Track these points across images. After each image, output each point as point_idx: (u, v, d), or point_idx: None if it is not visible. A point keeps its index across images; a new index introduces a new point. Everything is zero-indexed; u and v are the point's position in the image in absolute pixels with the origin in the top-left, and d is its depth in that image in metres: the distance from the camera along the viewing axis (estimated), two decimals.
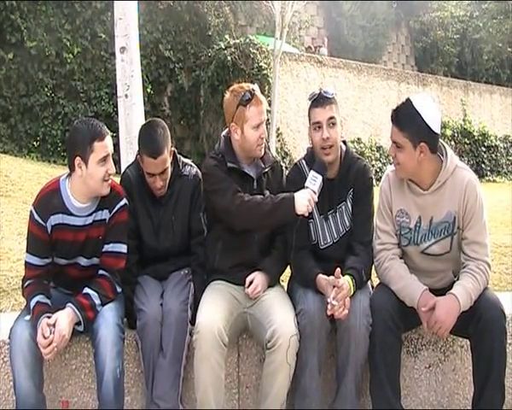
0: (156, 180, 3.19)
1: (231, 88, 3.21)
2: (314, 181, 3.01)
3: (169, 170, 3.24)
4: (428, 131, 2.87)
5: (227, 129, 3.24)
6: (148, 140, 3.17)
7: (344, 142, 3.26)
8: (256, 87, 3.16)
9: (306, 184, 3.01)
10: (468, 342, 3.04)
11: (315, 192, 3.00)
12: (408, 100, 2.93)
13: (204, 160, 3.30)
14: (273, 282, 3.22)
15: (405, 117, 2.89)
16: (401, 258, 3.10)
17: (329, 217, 3.21)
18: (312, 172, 3.03)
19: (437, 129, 2.89)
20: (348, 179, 3.20)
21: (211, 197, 3.16)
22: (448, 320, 2.84)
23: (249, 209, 3.02)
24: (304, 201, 2.96)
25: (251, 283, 3.11)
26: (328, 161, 3.12)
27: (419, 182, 3.00)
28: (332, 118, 3.10)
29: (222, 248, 3.21)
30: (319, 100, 3.11)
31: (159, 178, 3.19)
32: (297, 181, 3.16)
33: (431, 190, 2.98)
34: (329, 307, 2.84)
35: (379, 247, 3.10)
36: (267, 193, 3.18)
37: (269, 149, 3.31)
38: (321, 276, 2.99)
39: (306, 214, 3.00)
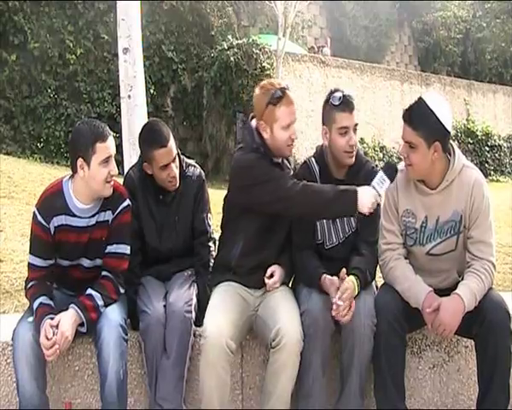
0: (171, 169, 3.19)
1: (261, 84, 3.11)
2: (382, 183, 2.88)
3: (177, 159, 3.25)
4: (442, 130, 2.86)
5: (253, 120, 3.16)
6: (153, 133, 3.19)
7: None
8: (287, 85, 3.06)
9: (373, 184, 2.88)
10: (473, 343, 3.03)
11: (380, 196, 2.90)
12: (420, 99, 2.90)
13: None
14: (287, 280, 3.21)
15: (419, 116, 2.86)
16: (406, 258, 3.09)
17: (337, 218, 3.19)
18: (382, 174, 2.90)
19: (449, 126, 2.89)
20: (357, 181, 3.16)
21: (258, 190, 2.97)
22: (453, 322, 2.82)
23: (311, 195, 2.91)
24: (369, 199, 2.85)
25: (271, 275, 3.10)
26: (350, 163, 3.14)
27: (428, 182, 2.99)
28: (357, 124, 3.10)
29: (242, 249, 3.14)
30: (347, 104, 3.06)
31: (173, 166, 3.20)
32: (307, 179, 3.11)
33: (438, 190, 2.97)
34: (334, 307, 2.82)
35: (384, 246, 3.09)
36: None
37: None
38: (326, 276, 2.98)
39: (367, 214, 2.90)
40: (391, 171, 2.93)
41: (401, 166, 3.06)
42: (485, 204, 2.96)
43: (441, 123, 2.84)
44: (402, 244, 3.08)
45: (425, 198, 3.00)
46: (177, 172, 3.23)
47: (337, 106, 3.07)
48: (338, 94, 3.08)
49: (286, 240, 3.23)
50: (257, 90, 3.09)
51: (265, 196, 2.97)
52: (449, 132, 2.89)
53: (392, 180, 2.91)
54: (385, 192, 3.05)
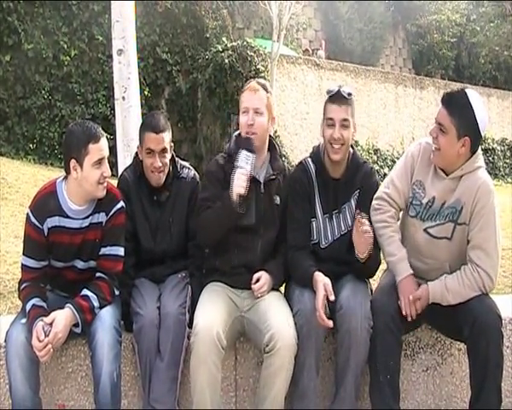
0: (155, 159, 3.18)
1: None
2: (247, 160, 2.97)
3: (168, 157, 3.24)
4: (476, 128, 2.88)
5: (238, 130, 3.23)
6: (151, 118, 3.25)
7: (351, 145, 3.23)
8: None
9: (239, 164, 2.96)
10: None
11: (249, 170, 2.96)
12: (463, 90, 2.94)
13: (200, 162, 3.30)
14: (276, 286, 3.20)
15: (458, 104, 2.89)
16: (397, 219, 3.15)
17: (333, 217, 3.19)
18: (245, 152, 2.99)
19: (483, 130, 2.91)
20: (355, 181, 3.18)
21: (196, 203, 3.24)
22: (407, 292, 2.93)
23: (200, 225, 3.10)
24: (239, 181, 2.93)
25: (257, 280, 3.09)
26: (335, 159, 3.12)
27: (447, 171, 3.01)
28: (345, 120, 3.09)
29: (224, 247, 3.16)
30: (337, 97, 3.09)
31: (158, 158, 3.18)
32: (302, 179, 3.15)
33: (451, 177, 2.98)
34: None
35: (385, 196, 3.11)
36: (277, 198, 3.18)
37: (280, 157, 3.29)
38: (318, 273, 2.95)
39: (243, 192, 2.94)
40: (248, 144, 3.02)
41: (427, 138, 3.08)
42: (490, 210, 2.94)
43: (476, 121, 2.87)
44: (399, 208, 3.13)
45: (438, 182, 3.02)
46: (161, 166, 3.20)
47: (329, 98, 3.13)
48: (334, 87, 3.12)
49: (275, 246, 3.23)
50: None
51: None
52: (480, 135, 2.91)
53: (253, 152, 2.99)
54: (406, 154, 3.15)
